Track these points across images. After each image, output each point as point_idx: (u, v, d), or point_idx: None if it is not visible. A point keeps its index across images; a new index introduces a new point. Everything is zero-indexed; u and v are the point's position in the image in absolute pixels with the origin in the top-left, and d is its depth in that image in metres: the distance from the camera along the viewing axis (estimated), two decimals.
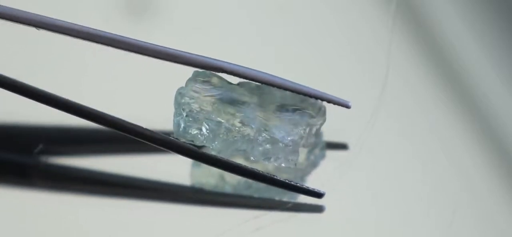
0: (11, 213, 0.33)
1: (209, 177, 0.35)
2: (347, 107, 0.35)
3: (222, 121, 0.33)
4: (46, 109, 0.34)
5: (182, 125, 0.33)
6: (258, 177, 0.33)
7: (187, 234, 0.34)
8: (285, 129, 0.34)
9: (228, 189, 0.35)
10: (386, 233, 0.35)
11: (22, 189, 0.34)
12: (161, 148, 0.32)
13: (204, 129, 0.33)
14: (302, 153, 0.35)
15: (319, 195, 0.33)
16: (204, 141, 0.33)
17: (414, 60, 0.42)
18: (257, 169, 0.33)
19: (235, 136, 0.33)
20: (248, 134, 0.33)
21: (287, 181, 0.33)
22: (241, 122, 0.33)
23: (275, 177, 0.33)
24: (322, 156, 0.36)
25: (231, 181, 0.35)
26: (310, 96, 0.35)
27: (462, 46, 0.43)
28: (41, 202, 0.34)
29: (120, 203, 0.34)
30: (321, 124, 0.35)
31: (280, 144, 0.34)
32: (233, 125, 0.33)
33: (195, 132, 0.33)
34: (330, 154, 0.36)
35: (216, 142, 0.33)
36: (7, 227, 0.33)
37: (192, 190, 0.35)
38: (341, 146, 0.37)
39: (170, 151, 0.32)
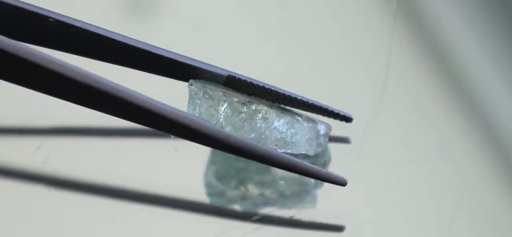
0: (11, 213, 0.33)
1: (228, 187, 0.35)
2: (349, 120, 0.35)
3: (240, 98, 0.33)
4: (46, 108, 0.33)
5: (198, 102, 0.32)
6: (281, 163, 0.32)
7: (187, 234, 0.34)
8: (299, 121, 0.33)
9: (245, 203, 0.34)
10: (386, 233, 0.35)
11: (22, 188, 0.34)
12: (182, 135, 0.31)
13: (221, 108, 0.32)
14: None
15: (342, 183, 0.33)
16: (222, 122, 0.32)
17: (414, 60, 0.42)
18: (282, 154, 0.32)
19: (252, 116, 0.33)
20: (265, 112, 0.33)
21: (310, 168, 0.32)
22: (257, 103, 0.33)
23: (300, 163, 0.32)
24: (328, 160, 0.35)
25: (251, 193, 0.34)
26: (312, 109, 0.35)
27: (462, 45, 0.43)
28: (41, 202, 0.34)
29: (120, 202, 0.34)
30: (327, 131, 0.34)
31: (301, 124, 0.33)
32: (250, 102, 0.33)
33: (212, 112, 0.32)
34: (331, 154, 0.36)
35: (234, 120, 0.32)
36: (7, 227, 0.33)
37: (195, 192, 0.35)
38: (342, 147, 0.36)
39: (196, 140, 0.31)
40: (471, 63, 0.42)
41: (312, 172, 0.32)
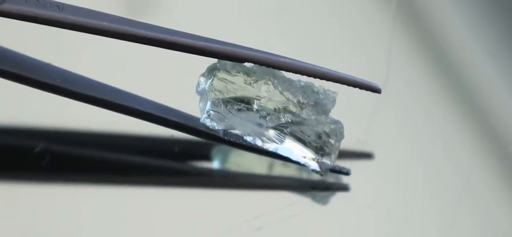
0: (12, 213, 0.33)
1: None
2: (378, 91, 0.33)
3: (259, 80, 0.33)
4: (46, 108, 0.33)
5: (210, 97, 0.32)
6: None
7: (188, 233, 0.34)
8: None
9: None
10: (386, 232, 0.35)
11: (23, 189, 0.34)
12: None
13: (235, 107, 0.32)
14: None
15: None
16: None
17: (414, 60, 0.42)
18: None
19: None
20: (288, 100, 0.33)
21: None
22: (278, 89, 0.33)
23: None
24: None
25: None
26: (340, 81, 0.33)
27: (462, 45, 0.43)
28: (41, 202, 0.34)
29: (120, 202, 0.34)
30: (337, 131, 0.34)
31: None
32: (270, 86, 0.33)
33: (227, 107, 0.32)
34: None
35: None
36: (8, 226, 0.33)
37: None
38: (342, 147, 0.36)
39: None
40: (471, 63, 0.42)
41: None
